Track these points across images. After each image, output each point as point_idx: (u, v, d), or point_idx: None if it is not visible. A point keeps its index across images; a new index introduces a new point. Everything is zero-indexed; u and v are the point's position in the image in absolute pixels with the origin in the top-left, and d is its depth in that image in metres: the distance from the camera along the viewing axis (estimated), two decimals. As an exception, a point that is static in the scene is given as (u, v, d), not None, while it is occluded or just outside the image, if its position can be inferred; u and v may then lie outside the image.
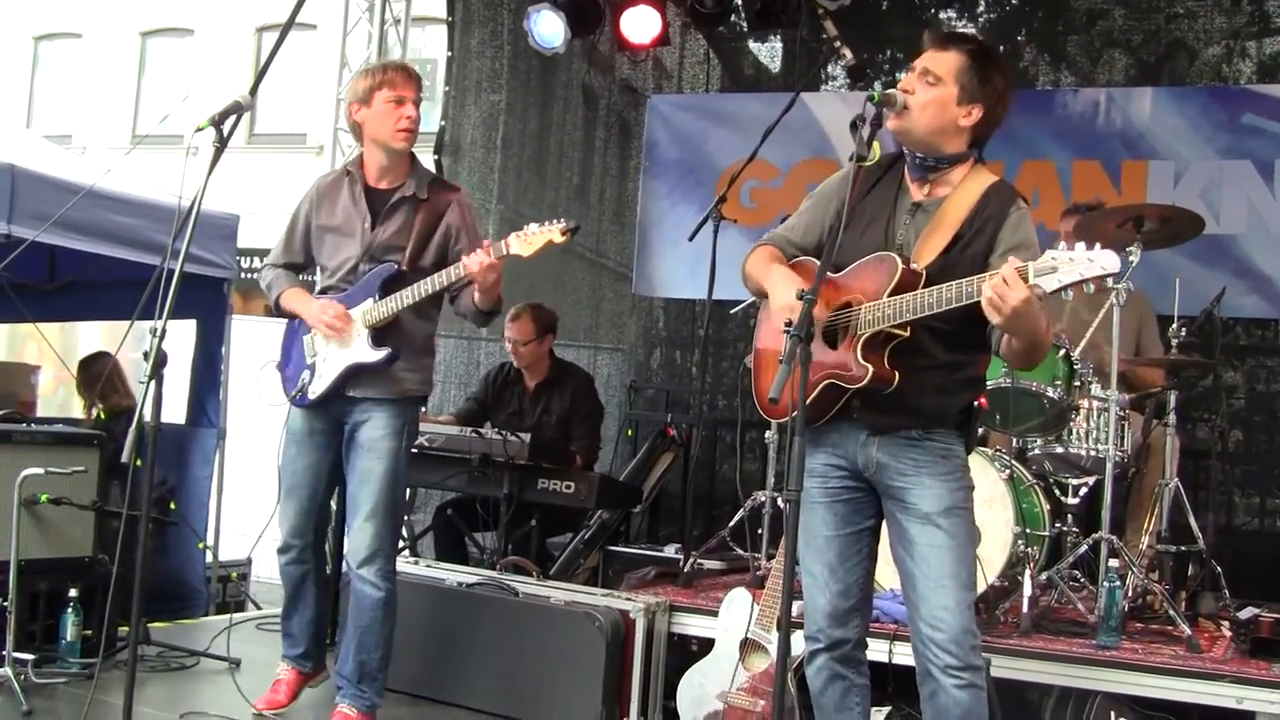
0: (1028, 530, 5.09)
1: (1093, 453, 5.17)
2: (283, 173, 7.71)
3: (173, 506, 6.60)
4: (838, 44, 6.71)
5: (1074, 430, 5.23)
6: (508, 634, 5.06)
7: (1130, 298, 5.81)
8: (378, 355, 4.48)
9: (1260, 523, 6.71)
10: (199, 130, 4.03)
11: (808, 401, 3.35)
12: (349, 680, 4.54)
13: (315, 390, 4.57)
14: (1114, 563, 4.76)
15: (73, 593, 5.16)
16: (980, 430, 5.41)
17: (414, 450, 5.57)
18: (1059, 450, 5.26)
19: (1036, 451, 5.35)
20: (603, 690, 4.80)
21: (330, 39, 8.53)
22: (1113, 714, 4.50)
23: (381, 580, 4.51)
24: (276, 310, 4.78)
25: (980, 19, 7.77)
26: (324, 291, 4.65)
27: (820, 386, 3.38)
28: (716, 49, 8.06)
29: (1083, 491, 5.36)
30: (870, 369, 3.31)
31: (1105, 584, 4.64)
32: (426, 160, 8.56)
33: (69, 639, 5.17)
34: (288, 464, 4.71)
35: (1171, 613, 4.77)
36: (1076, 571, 5.22)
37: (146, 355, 3.71)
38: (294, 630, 4.84)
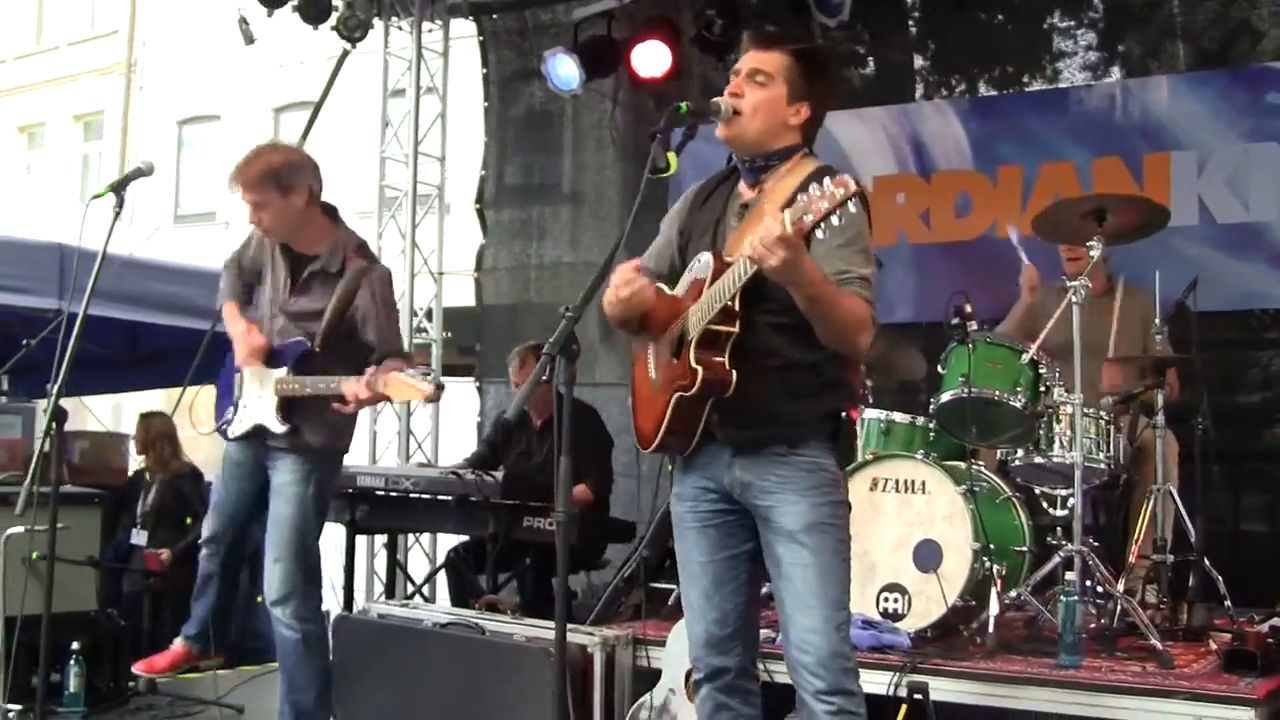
0: (1010, 547, 4.91)
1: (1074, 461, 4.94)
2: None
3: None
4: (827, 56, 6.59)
5: (1057, 439, 5.01)
6: (472, 671, 5.06)
7: (1134, 295, 5.60)
8: (281, 428, 4.64)
9: (1271, 527, 6.27)
10: (97, 197, 4.23)
11: (666, 423, 3.33)
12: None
13: (234, 431, 4.80)
14: (1070, 576, 4.52)
15: (75, 646, 5.37)
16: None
17: (394, 494, 5.72)
18: (1039, 460, 5.05)
19: (1018, 463, 5.14)
20: (559, 725, 4.76)
21: (364, 111, 8.78)
22: (1074, 736, 4.27)
23: (296, 621, 4.65)
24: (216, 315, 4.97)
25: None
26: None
27: (671, 403, 3.31)
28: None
29: (1070, 503, 5.10)
30: (700, 369, 3.21)
31: (1063, 600, 4.41)
32: (463, 213, 8.85)
33: (72, 690, 5.37)
34: (220, 481, 4.96)
35: (1143, 626, 4.50)
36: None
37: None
38: (195, 611, 5.01)
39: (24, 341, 6.45)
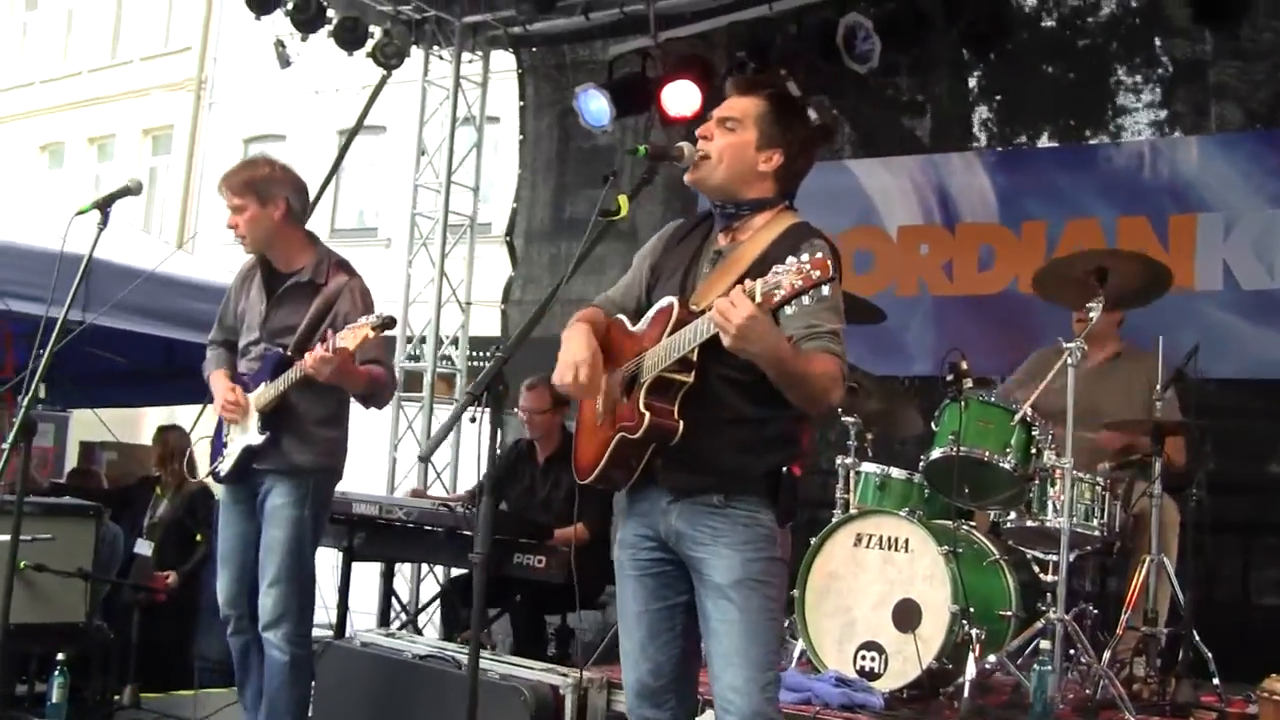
0: (995, 610, 4.81)
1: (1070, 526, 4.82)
2: (357, 266, 8.15)
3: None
4: (805, 107, 6.54)
5: (1050, 503, 4.90)
6: (445, 706, 5.03)
7: (1140, 360, 5.48)
8: (260, 438, 4.65)
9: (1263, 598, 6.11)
10: (81, 213, 4.27)
11: (607, 459, 3.29)
12: None
13: (223, 470, 4.79)
14: (1045, 644, 4.41)
15: (60, 656, 5.39)
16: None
17: (386, 523, 5.72)
18: (1031, 524, 4.94)
19: (1010, 525, 5.03)
20: (530, 768, 4.71)
21: (398, 139, 8.83)
22: (1031, 809, 4.17)
23: (287, 644, 4.63)
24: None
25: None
26: (240, 376, 4.84)
27: (614, 441, 3.27)
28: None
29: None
30: (648, 415, 3.16)
31: (1036, 669, 4.31)
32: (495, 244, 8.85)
33: (55, 700, 5.38)
34: (220, 536, 4.90)
35: (1120, 700, 4.38)
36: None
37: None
38: (247, 702, 4.94)
39: (37, 350, 6.54)
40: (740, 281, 3.09)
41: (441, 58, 8.71)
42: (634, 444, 3.21)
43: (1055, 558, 4.96)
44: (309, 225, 4.92)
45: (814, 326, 3.13)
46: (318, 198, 9.28)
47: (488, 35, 8.67)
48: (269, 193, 4.71)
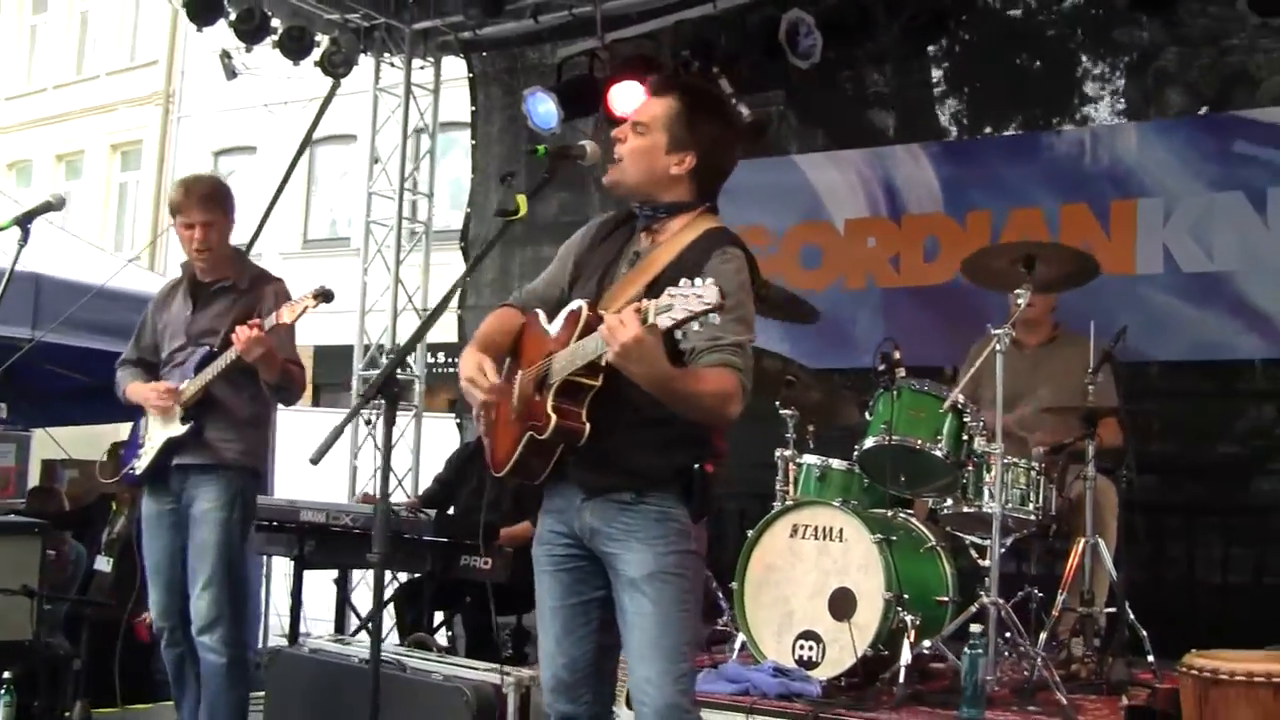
0: (932, 597, 4.84)
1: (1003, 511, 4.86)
2: (329, 276, 8.25)
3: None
4: (734, 102, 6.59)
5: (986, 488, 4.93)
6: (390, 708, 5.03)
7: (1075, 344, 5.50)
8: (184, 428, 4.73)
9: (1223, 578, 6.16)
10: (3, 229, 4.28)
11: (518, 456, 3.31)
12: None
13: (140, 466, 4.85)
14: (976, 628, 4.44)
15: (5, 675, 5.39)
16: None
17: (334, 530, 5.74)
18: (967, 510, 4.98)
19: (947, 512, 5.08)
20: (473, 767, 4.73)
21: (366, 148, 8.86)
22: (962, 791, 4.20)
23: (223, 646, 4.70)
24: (125, 404, 5.04)
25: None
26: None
27: (524, 440, 3.30)
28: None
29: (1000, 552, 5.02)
30: (554, 418, 3.19)
31: (966, 652, 4.34)
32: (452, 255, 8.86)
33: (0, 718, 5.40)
34: (146, 549, 4.95)
35: (1052, 681, 4.42)
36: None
37: None
38: (185, 715, 4.98)
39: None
40: (651, 287, 3.17)
41: (393, 65, 8.74)
42: (541, 444, 3.23)
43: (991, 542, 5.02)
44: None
45: (717, 339, 3.14)
46: (268, 212, 9.41)
47: (438, 41, 8.67)
48: (230, 204, 4.95)
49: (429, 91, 8.83)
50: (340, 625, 6.44)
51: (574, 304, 3.32)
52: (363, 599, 7.47)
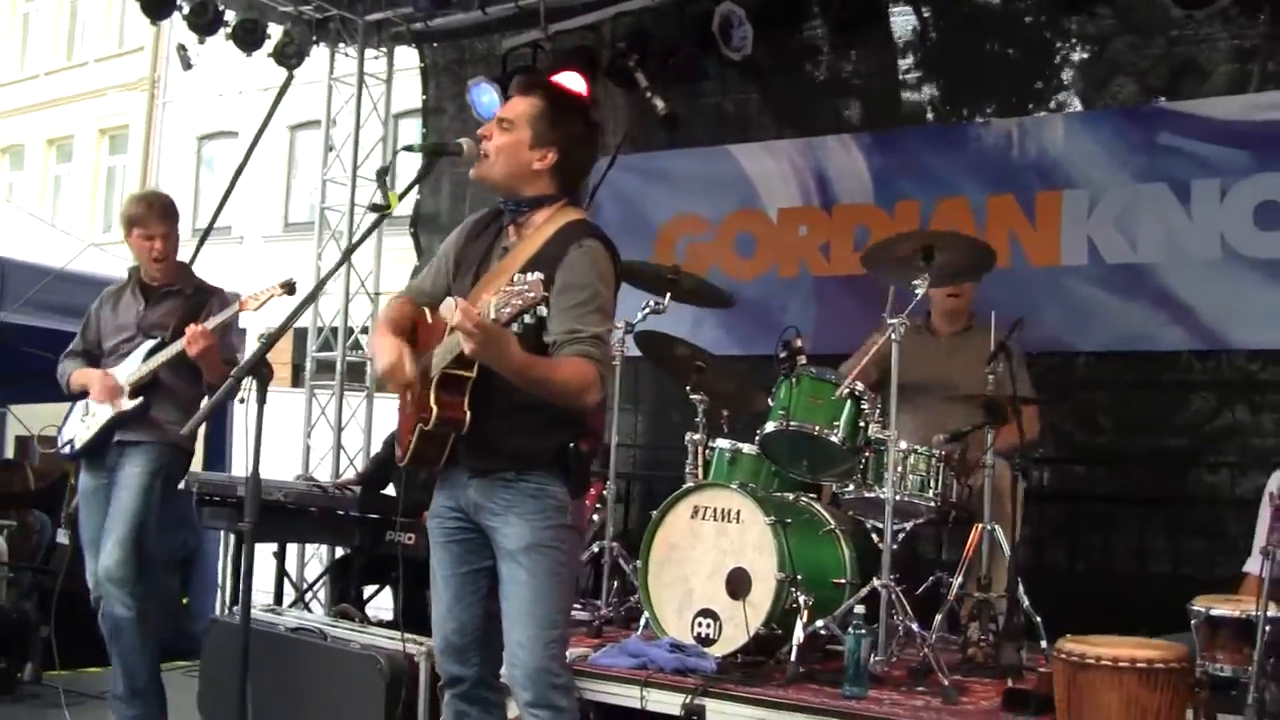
0: (829, 578, 4.95)
1: (901, 497, 4.97)
2: (311, 258, 8.57)
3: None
4: (649, 94, 6.70)
5: (886, 474, 5.03)
6: (312, 674, 5.25)
7: (985, 334, 5.59)
8: (132, 404, 5.12)
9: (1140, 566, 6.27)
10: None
11: (413, 446, 3.53)
12: (123, 700, 5.04)
13: (81, 439, 5.18)
14: (859, 610, 4.55)
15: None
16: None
17: (269, 505, 5.94)
18: (867, 495, 5.08)
19: (849, 496, 5.18)
20: (384, 728, 4.87)
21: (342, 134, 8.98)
22: (837, 768, 4.31)
23: (131, 600, 5.00)
24: (68, 392, 5.40)
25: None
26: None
27: (415, 431, 3.48)
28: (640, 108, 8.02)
29: (900, 537, 5.13)
30: (435, 410, 3.40)
31: (851, 633, 4.46)
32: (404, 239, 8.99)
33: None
34: (82, 522, 5.27)
35: (934, 662, 4.53)
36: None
37: None
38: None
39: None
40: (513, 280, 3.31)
41: (347, 55, 8.85)
42: (430, 434, 3.45)
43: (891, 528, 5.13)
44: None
45: (575, 332, 3.37)
46: (224, 200, 9.56)
47: (391, 31, 8.79)
48: (178, 218, 5.55)
49: (382, 81, 8.94)
50: (279, 596, 6.60)
51: (447, 300, 3.46)
52: (311, 570, 7.67)
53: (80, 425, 5.27)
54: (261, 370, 3.28)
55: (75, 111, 21.74)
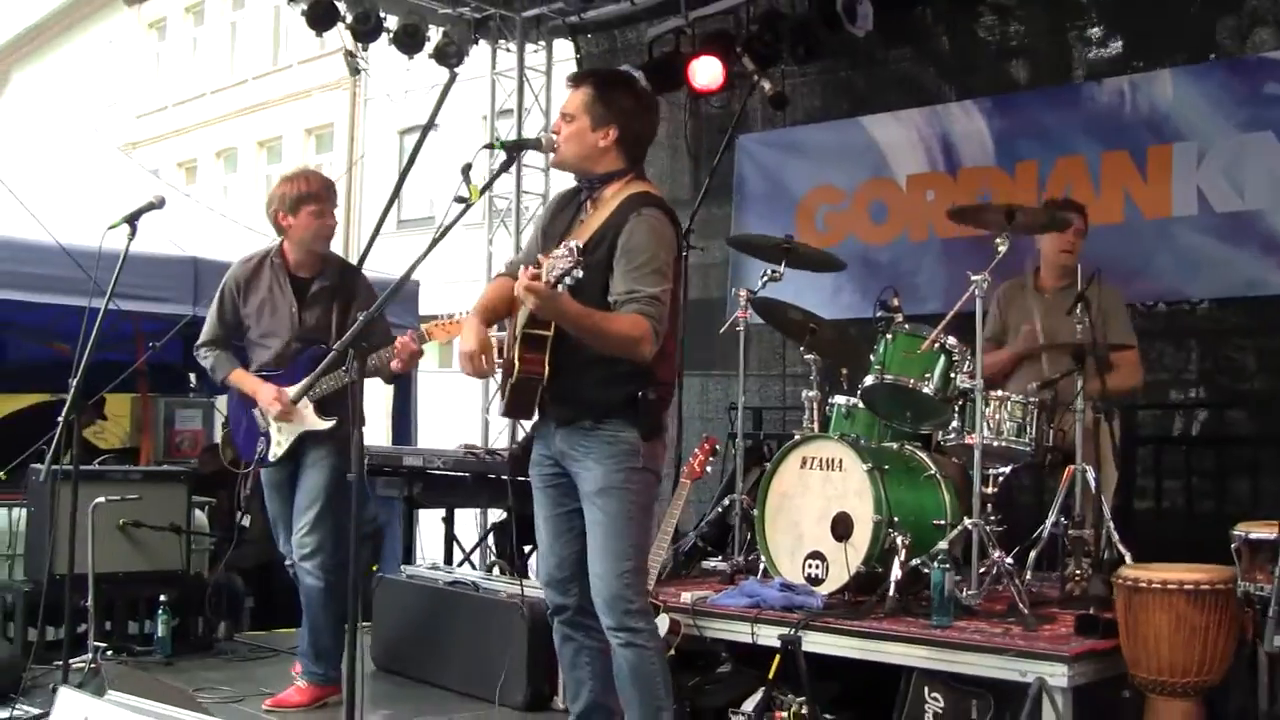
0: (930, 521, 5.33)
1: (998, 443, 5.34)
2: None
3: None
4: (755, 77, 7.08)
5: (987, 422, 5.40)
6: (467, 623, 5.88)
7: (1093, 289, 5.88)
8: (327, 424, 5.39)
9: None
10: (113, 227, 5.12)
11: (506, 399, 4.12)
12: (309, 657, 5.52)
13: (275, 454, 5.49)
14: (942, 545, 4.96)
15: (163, 598, 6.39)
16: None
17: (431, 473, 6.54)
18: (969, 443, 5.44)
19: (952, 444, 5.54)
20: (528, 670, 5.46)
21: (447, 136, 9.58)
22: (926, 690, 4.73)
23: (323, 573, 5.42)
24: (222, 386, 5.72)
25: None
26: (261, 368, 5.51)
27: (508, 386, 4.07)
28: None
29: (1000, 480, 5.49)
30: (519, 365, 3.96)
31: (936, 566, 4.86)
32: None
33: (161, 635, 6.39)
34: (272, 510, 5.68)
35: (1016, 593, 4.89)
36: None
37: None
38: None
39: (150, 345, 7.58)
40: (585, 249, 3.84)
41: (508, 50, 9.50)
42: (515, 388, 4.00)
43: (991, 472, 5.50)
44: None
45: (633, 292, 3.87)
46: (396, 192, 10.29)
47: (548, 26, 9.41)
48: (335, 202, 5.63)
49: (541, 73, 9.57)
50: (448, 556, 7.28)
51: (529, 265, 4.01)
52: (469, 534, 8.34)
53: (265, 439, 5.47)
54: (360, 345, 3.80)
55: (282, 113, 23.07)
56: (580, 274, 3.61)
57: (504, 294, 4.18)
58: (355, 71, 8.78)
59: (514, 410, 4.15)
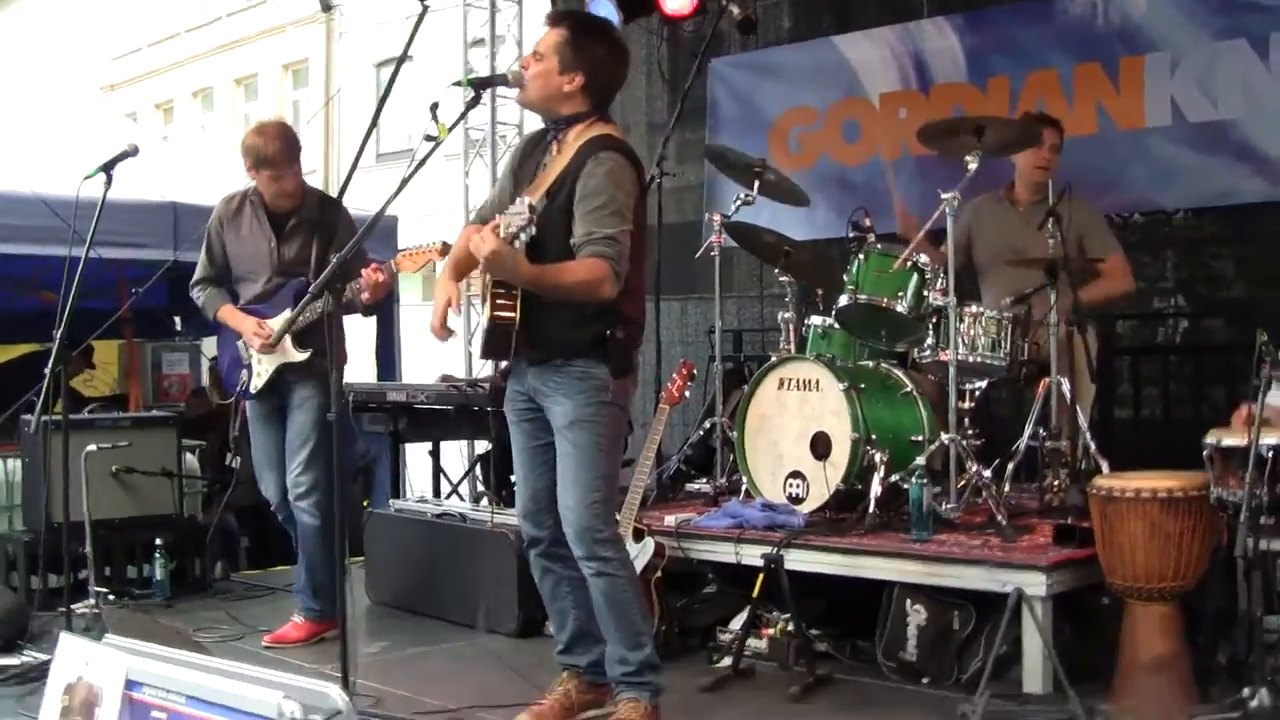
0: (907, 437, 5.42)
1: (973, 358, 5.41)
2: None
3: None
4: (724, 1, 7.06)
5: (960, 338, 5.47)
6: (458, 555, 5.98)
7: (1066, 204, 5.92)
8: (303, 355, 5.44)
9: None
10: (88, 177, 5.14)
11: (483, 342, 4.20)
12: (305, 594, 5.63)
13: (255, 385, 5.57)
14: (921, 461, 5.05)
15: (158, 541, 6.48)
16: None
17: (415, 407, 6.60)
18: (943, 358, 5.51)
19: (927, 360, 5.61)
20: (519, 598, 5.55)
21: (423, 67, 9.55)
22: (908, 603, 4.85)
23: (318, 511, 5.50)
24: (215, 324, 5.76)
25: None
26: (247, 304, 5.57)
27: (484, 330, 4.13)
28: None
29: (976, 395, 5.58)
30: (491, 311, 4.02)
31: (913, 482, 4.95)
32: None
33: (159, 578, 6.48)
34: (257, 448, 5.74)
35: (992, 504, 5.00)
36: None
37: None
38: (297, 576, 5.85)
39: (133, 291, 7.59)
40: (549, 194, 3.96)
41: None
42: (490, 332, 4.07)
43: (967, 387, 5.58)
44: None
45: (590, 234, 3.92)
46: (372, 125, 10.22)
47: (517, -49, 9.34)
48: (300, 149, 5.61)
49: (514, 2, 9.52)
50: (436, 489, 7.38)
51: (497, 218, 4.05)
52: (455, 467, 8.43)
53: (247, 370, 5.56)
54: (335, 285, 3.84)
55: (258, 50, 22.88)
56: (534, 231, 3.69)
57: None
58: (327, 8, 8.71)
59: (490, 352, 4.24)
